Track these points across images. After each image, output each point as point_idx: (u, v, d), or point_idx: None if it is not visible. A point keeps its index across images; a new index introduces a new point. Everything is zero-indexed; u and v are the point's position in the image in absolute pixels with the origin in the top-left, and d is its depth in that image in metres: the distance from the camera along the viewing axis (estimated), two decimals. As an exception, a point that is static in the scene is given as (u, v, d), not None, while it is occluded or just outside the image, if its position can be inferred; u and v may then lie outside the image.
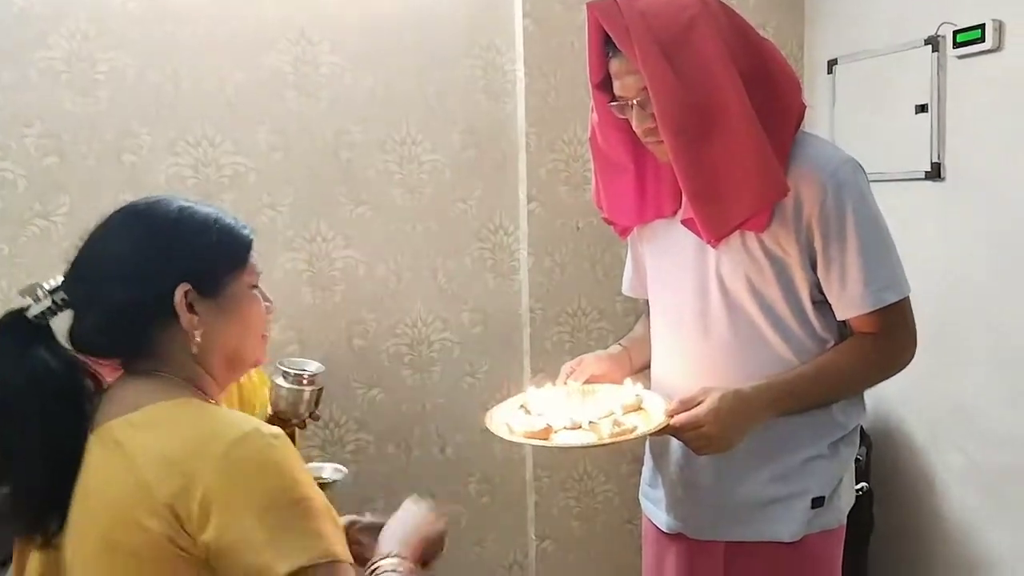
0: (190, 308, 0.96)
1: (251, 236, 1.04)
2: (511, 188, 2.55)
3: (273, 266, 2.29)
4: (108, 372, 1.00)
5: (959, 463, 2.34)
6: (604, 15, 1.27)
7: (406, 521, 1.13)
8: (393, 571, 0.99)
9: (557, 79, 2.49)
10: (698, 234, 1.34)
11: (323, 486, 1.59)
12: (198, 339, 0.97)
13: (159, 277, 0.96)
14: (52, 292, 0.97)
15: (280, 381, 1.65)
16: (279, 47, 2.26)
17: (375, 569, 1.00)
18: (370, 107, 2.37)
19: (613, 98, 1.34)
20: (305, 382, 1.65)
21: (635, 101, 1.29)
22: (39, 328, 0.96)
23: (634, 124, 1.32)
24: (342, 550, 0.87)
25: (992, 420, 2.24)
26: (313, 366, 1.70)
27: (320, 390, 1.69)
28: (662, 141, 1.27)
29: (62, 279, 0.98)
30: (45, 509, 0.91)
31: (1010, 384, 2.18)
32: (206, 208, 1.03)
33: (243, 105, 2.25)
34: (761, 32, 1.37)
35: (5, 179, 2.08)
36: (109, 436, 0.91)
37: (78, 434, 0.93)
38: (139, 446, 0.89)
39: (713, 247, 1.35)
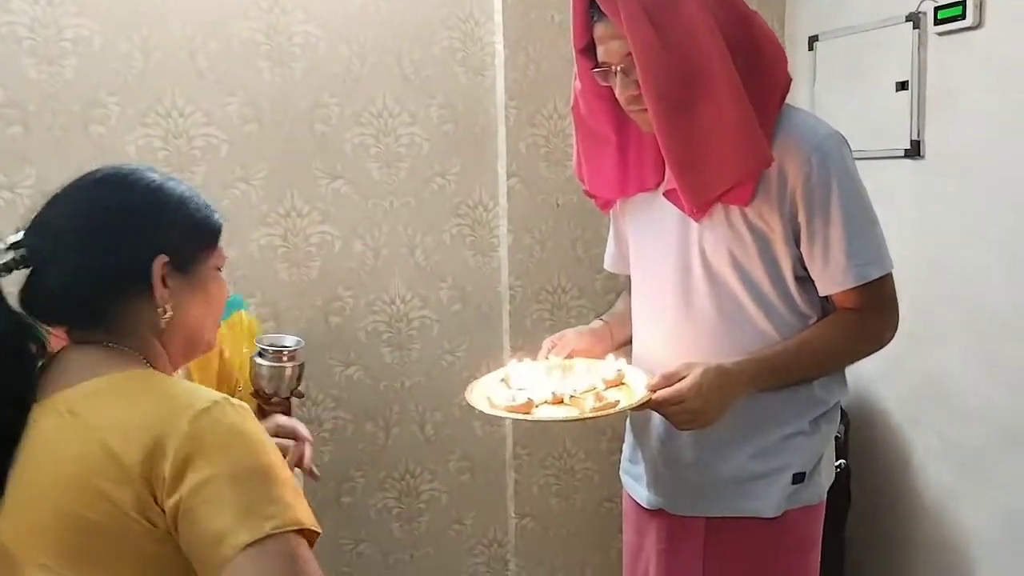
0: (163, 282, 0.94)
1: (221, 220, 1.04)
2: (490, 163, 2.51)
3: (247, 241, 2.25)
4: (54, 341, 0.96)
5: (935, 440, 2.36)
6: None
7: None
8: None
9: (537, 52, 2.45)
10: (680, 207, 1.32)
11: (290, 357, 1.55)
12: (169, 314, 0.94)
13: (138, 246, 0.94)
14: (11, 247, 0.92)
15: (259, 359, 1.61)
16: (251, 15, 2.20)
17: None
18: (346, 79, 2.32)
19: (596, 64, 1.31)
20: (285, 358, 1.61)
21: (619, 67, 1.27)
22: None
23: (617, 91, 1.30)
24: (306, 516, 0.85)
25: (968, 397, 2.25)
26: (291, 340, 1.65)
27: (302, 365, 1.65)
28: (645, 109, 1.25)
29: (23, 234, 0.94)
30: None
31: (986, 362, 2.19)
32: (180, 183, 1.01)
33: (215, 75, 2.19)
34: (743, 8, 1.34)
35: (-33, 150, 2.01)
36: (62, 406, 0.87)
37: (20, 401, 0.89)
38: (101, 415, 0.85)
39: (696, 220, 1.33)
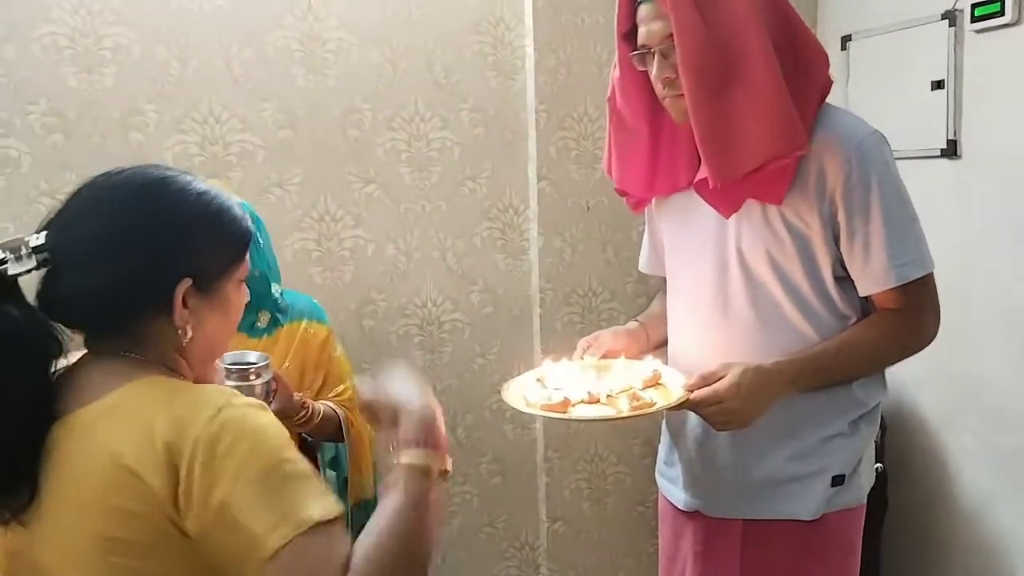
0: (184, 302, 0.92)
1: (251, 229, 1.01)
2: (520, 167, 2.52)
3: (282, 246, 2.26)
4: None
5: (972, 443, 2.32)
6: None
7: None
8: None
9: (567, 55, 2.45)
10: (709, 201, 1.32)
11: (256, 374, 1.48)
12: (189, 334, 0.93)
13: (166, 264, 0.92)
14: (36, 251, 0.89)
15: (227, 380, 1.47)
16: (286, 23, 2.23)
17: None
18: (378, 84, 2.34)
19: (636, 49, 1.32)
20: (252, 376, 1.48)
21: (658, 49, 1.27)
22: (7, 283, 0.88)
23: (654, 74, 1.30)
24: (330, 506, 0.83)
25: (1005, 399, 2.21)
26: (255, 356, 1.53)
27: (268, 381, 1.52)
28: (680, 95, 1.25)
29: (46, 234, 0.91)
30: (7, 479, 0.85)
31: (1021, 363, 2.16)
32: (215, 191, 0.98)
33: (250, 82, 2.22)
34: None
35: (10, 157, 2.05)
36: (82, 427, 0.86)
37: (43, 400, 0.88)
38: (118, 433, 0.84)
39: (726, 217, 1.33)
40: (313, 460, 1.75)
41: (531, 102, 2.46)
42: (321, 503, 0.83)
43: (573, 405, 1.33)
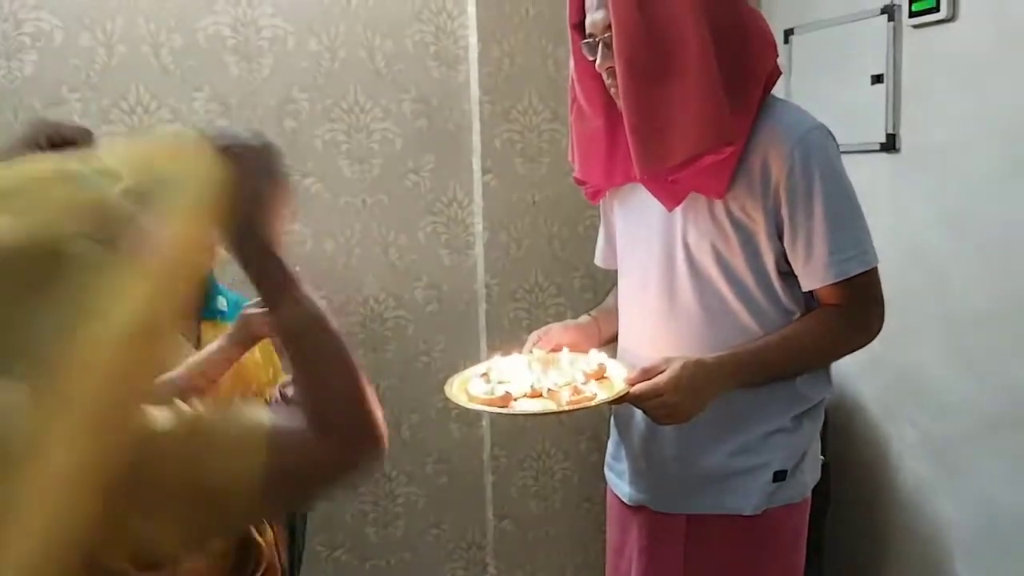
0: None
1: None
2: (465, 160, 2.48)
3: (215, 241, 2.19)
4: None
5: (912, 433, 2.36)
6: None
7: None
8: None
9: (512, 46, 2.41)
10: (656, 195, 1.30)
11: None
12: None
13: None
14: None
15: None
16: (217, 8, 2.15)
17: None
18: (316, 74, 2.27)
19: (585, 37, 1.30)
20: None
21: (602, 39, 1.25)
22: None
23: (597, 63, 1.29)
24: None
25: (943, 390, 2.25)
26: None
27: None
28: None
29: None
30: None
31: (961, 355, 2.19)
32: None
33: (181, 70, 2.14)
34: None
35: (-81, 148, 1.94)
36: None
37: None
38: None
39: (669, 210, 1.32)
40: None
41: (475, 93, 2.42)
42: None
43: (515, 399, 1.30)
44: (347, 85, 2.31)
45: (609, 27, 1.23)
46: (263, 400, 1.64)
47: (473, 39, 2.38)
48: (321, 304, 0.82)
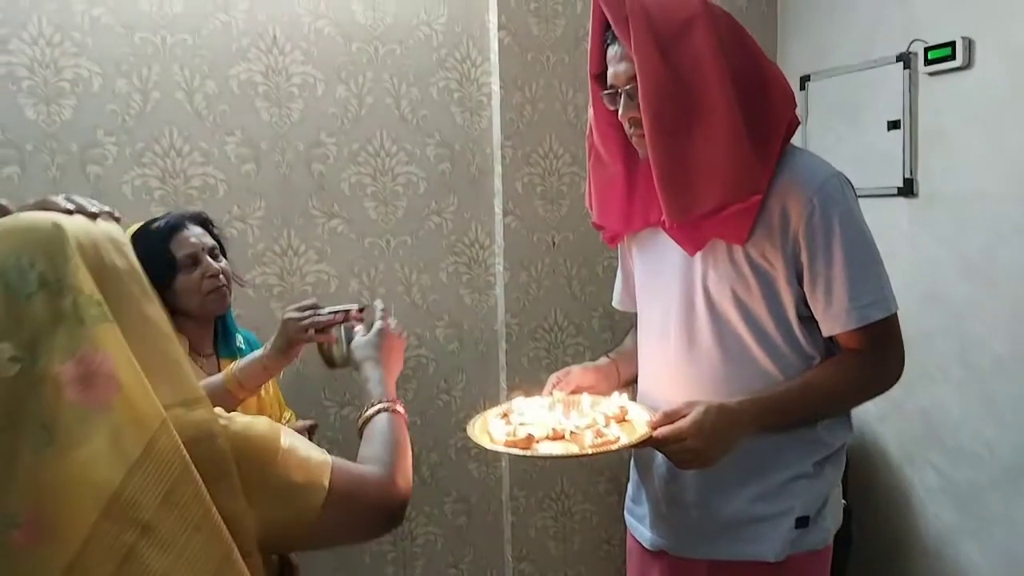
0: None
1: None
2: (486, 202, 2.52)
3: (243, 280, 2.23)
4: None
5: (934, 479, 2.34)
6: (607, 3, 1.28)
7: (381, 365, 1.25)
8: (390, 412, 1.13)
9: (533, 92, 2.47)
10: (678, 241, 1.32)
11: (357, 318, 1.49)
12: None
13: None
14: None
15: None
16: (250, 56, 2.22)
17: (371, 418, 1.12)
18: (343, 119, 2.33)
19: (606, 87, 1.33)
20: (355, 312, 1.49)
21: (625, 90, 1.28)
22: None
23: (620, 112, 1.31)
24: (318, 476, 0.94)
25: (964, 435, 2.24)
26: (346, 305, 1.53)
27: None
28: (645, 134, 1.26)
29: None
30: None
31: (981, 399, 2.19)
32: None
33: (213, 115, 2.20)
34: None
35: (-38, 190, 2.00)
36: None
37: None
38: None
39: (691, 255, 1.33)
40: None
41: (497, 138, 2.47)
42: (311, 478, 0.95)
43: (537, 441, 1.31)
44: (373, 130, 2.37)
45: (632, 79, 1.26)
46: None
47: (496, 86, 2.45)
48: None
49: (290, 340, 1.42)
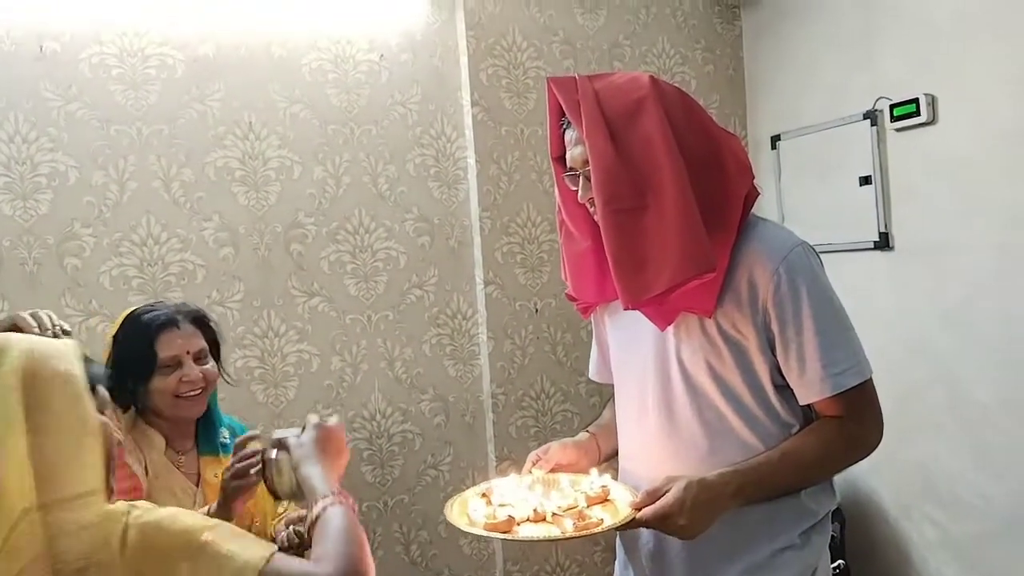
0: None
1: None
2: (467, 272, 2.53)
3: (224, 364, 2.21)
4: None
5: (932, 532, 2.30)
6: (560, 89, 1.31)
7: (320, 461, 1.17)
8: (337, 505, 1.06)
9: (508, 164, 2.51)
10: (640, 310, 1.32)
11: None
12: None
13: None
14: None
15: (279, 455, 1.39)
16: (226, 143, 2.25)
17: (319, 516, 1.06)
18: (321, 199, 2.36)
19: (568, 170, 1.35)
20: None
21: (583, 172, 1.30)
22: None
23: (579, 195, 1.34)
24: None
25: (960, 486, 2.21)
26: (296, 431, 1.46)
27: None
28: None
29: None
30: None
31: (974, 448, 2.17)
32: None
33: (190, 202, 2.22)
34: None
35: (-62, 288, 2.00)
36: None
37: None
38: None
39: (661, 330, 1.33)
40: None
41: (475, 210, 2.49)
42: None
43: (518, 523, 1.29)
44: (351, 208, 2.39)
45: (587, 162, 1.28)
46: (268, 531, 1.62)
47: (471, 160, 2.48)
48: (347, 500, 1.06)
49: (227, 498, 1.36)
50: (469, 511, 1.35)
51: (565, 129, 1.35)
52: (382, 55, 2.42)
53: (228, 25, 2.25)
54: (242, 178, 2.27)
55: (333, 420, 1.25)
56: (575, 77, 1.31)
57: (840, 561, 2.31)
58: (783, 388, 1.31)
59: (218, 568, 0.88)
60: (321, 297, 2.36)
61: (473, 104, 2.46)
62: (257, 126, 2.28)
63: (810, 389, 1.26)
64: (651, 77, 1.30)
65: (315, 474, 1.14)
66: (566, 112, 1.30)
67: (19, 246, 2.06)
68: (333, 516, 1.06)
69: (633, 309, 1.31)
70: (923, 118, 2.21)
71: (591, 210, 1.34)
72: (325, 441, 1.20)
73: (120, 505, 0.91)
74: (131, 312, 1.54)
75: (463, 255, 2.52)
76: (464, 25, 2.46)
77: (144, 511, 0.90)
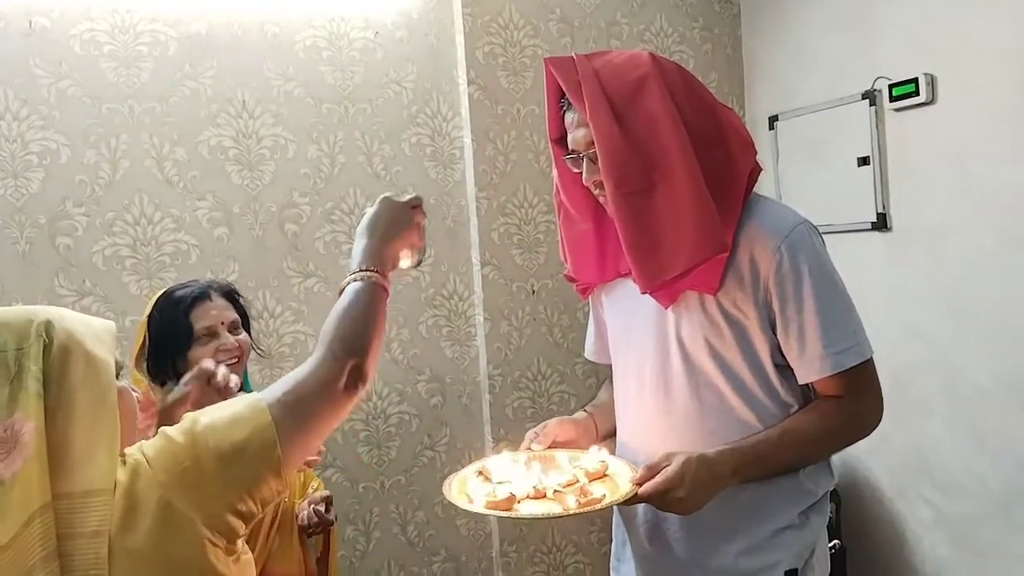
0: None
1: None
2: (464, 253, 2.51)
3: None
4: None
5: (927, 513, 2.31)
6: (559, 70, 1.28)
7: (371, 235, 1.15)
8: (358, 281, 1.07)
9: (505, 144, 2.48)
10: (643, 289, 1.31)
11: None
12: None
13: None
14: None
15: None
16: (220, 121, 2.22)
17: (342, 291, 1.07)
18: (316, 179, 2.33)
19: (568, 152, 1.33)
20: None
21: (585, 155, 1.28)
22: None
23: (584, 177, 1.31)
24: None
25: (955, 467, 2.22)
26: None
27: None
28: None
29: None
30: None
31: (969, 431, 2.18)
32: None
33: (183, 181, 2.19)
34: (701, 91, 1.37)
35: (-71, 268, 1.98)
36: None
37: None
38: None
39: (665, 307, 1.32)
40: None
41: (471, 190, 2.47)
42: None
43: (519, 501, 1.28)
44: (347, 188, 2.37)
45: (592, 144, 1.26)
46: (292, 510, 1.63)
47: (468, 139, 2.46)
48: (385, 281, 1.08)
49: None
50: (468, 490, 1.34)
51: (565, 111, 1.32)
52: (377, 33, 2.39)
53: (221, 2, 2.22)
54: (236, 157, 2.24)
55: (405, 197, 1.20)
56: (573, 57, 1.29)
57: (836, 541, 2.32)
58: (783, 367, 1.31)
59: (240, 425, 0.91)
60: (317, 278, 2.34)
61: (469, 83, 2.44)
62: (251, 104, 2.25)
63: (810, 368, 1.26)
64: (650, 54, 1.29)
65: (358, 248, 1.13)
66: (567, 94, 1.28)
67: (11, 225, 2.04)
68: (345, 294, 1.07)
69: (649, 293, 1.29)
70: (922, 98, 2.20)
71: (596, 193, 1.32)
72: (382, 216, 1.17)
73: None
74: (164, 292, 1.60)
75: (459, 235, 2.50)
76: (460, 3, 2.43)
77: (141, 455, 0.89)
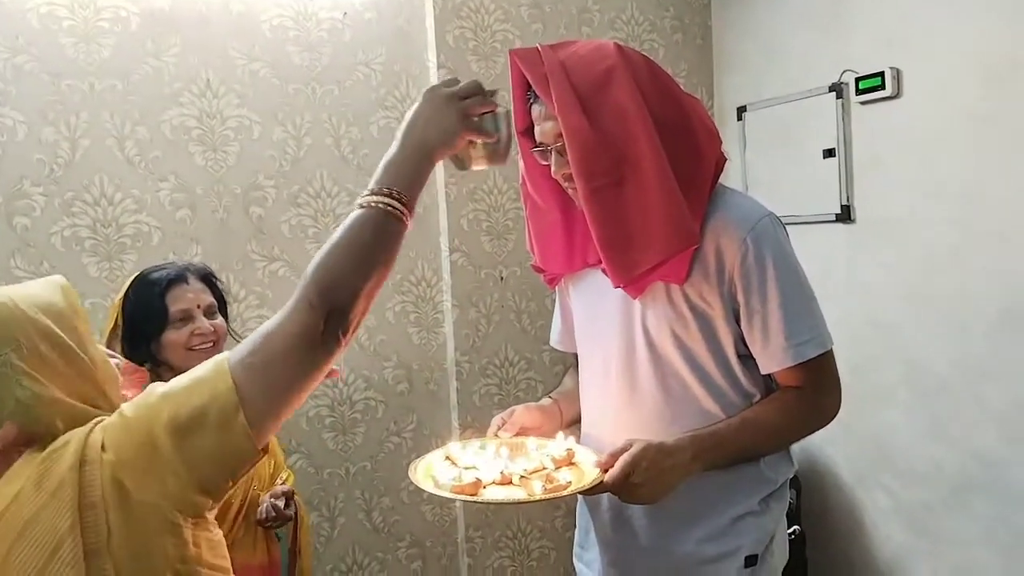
0: None
1: None
2: (432, 240, 2.50)
3: (181, 329, 2.17)
4: None
5: (885, 500, 2.36)
6: (525, 62, 1.27)
7: (409, 134, 0.99)
8: (361, 208, 0.93)
9: (475, 129, 2.46)
10: (612, 280, 1.32)
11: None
12: None
13: None
14: None
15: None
16: (183, 100, 2.18)
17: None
18: (282, 161, 2.30)
19: (536, 144, 1.32)
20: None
21: (554, 147, 1.27)
22: None
23: (553, 170, 1.30)
24: None
25: (912, 455, 2.27)
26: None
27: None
28: None
29: None
30: None
31: (927, 419, 2.22)
32: None
33: (145, 162, 2.15)
34: (670, 81, 1.37)
35: None
36: None
37: None
38: None
39: (633, 298, 1.32)
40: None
41: (441, 176, 2.45)
42: None
43: (485, 486, 1.28)
44: (313, 171, 2.34)
45: (559, 136, 1.25)
46: (257, 502, 1.61)
47: (436, 123, 2.43)
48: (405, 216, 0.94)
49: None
50: (434, 474, 1.34)
51: (532, 103, 1.31)
52: (345, 13, 2.36)
53: (185, -22, 2.17)
54: (199, 137, 2.20)
55: (455, 87, 1.02)
56: (538, 49, 1.28)
57: (796, 527, 2.36)
58: (746, 358, 1.32)
59: (199, 389, 0.84)
60: (282, 262, 2.31)
61: (439, 67, 2.42)
62: (215, 83, 2.21)
63: (772, 359, 1.27)
64: (616, 44, 1.28)
65: (384, 163, 0.98)
66: (534, 87, 1.26)
67: (-36, 204, 1.98)
68: (344, 221, 0.92)
69: (623, 287, 1.30)
70: (888, 92, 2.22)
71: (566, 185, 1.31)
72: (421, 115, 0.99)
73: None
74: (139, 273, 1.59)
75: (428, 222, 2.49)
76: (431, -15, 2.40)
77: (102, 425, 0.85)
